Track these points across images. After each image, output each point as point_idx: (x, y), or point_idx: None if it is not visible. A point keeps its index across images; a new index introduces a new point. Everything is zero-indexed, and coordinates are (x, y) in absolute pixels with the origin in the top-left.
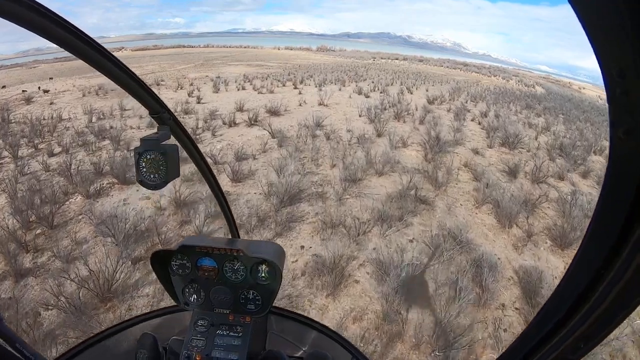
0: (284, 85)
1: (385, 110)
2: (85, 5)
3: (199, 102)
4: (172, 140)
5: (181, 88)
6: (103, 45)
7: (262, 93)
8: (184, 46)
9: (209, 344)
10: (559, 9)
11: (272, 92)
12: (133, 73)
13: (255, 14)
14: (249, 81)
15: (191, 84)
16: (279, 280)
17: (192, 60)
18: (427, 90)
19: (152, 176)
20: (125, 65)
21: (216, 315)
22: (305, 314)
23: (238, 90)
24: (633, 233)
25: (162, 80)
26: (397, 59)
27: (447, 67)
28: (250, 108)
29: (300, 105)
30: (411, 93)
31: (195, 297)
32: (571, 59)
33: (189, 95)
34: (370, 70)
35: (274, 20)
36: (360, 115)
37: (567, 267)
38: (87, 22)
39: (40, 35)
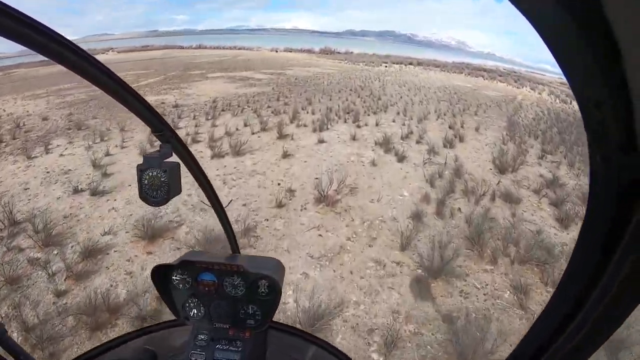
0: (263, 130)
1: (444, 205)
2: (91, 2)
3: (93, 194)
4: (175, 158)
5: (101, 139)
6: (109, 41)
7: (220, 156)
8: (175, 47)
9: (208, 358)
10: None
11: (238, 152)
12: (135, 92)
13: (261, 12)
14: (213, 117)
15: (122, 129)
16: (278, 295)
17: (170, 68)
18: (477, 130)
19: (154, 193)
20: (127, 85)
21: (216, 330)
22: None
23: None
24: (615, 250)
25: (96, 114)
26: (411, 64)
27: (468, 74)
28: (168, 228)
29: (279, 205)
30: (461, 140)
31: (195, 311)
32: None
33: (94, 163)
34: (388, 85)
35: (279, 17)
36: (404, 248)
37: (552, 293)
38: (94, 19)
39: (40, 53)
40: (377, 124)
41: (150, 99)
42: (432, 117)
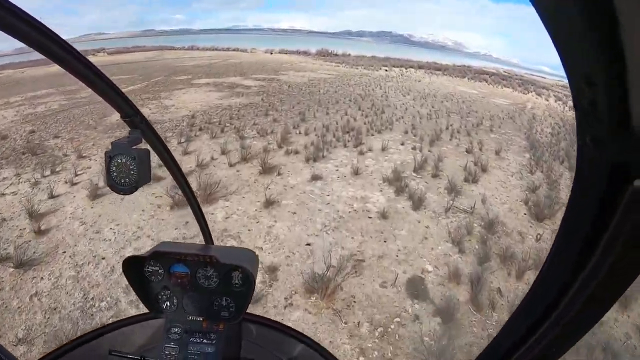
0: (244, 159)
1: (479, 284)
2: (87, 1)
3: (18, 266)
4: (145, 145)
5: (52, 170)
6: (105, 40)
7: (183, 205)
8: (167, 48)
9: (182, 351)
10: None
11: (208, 197)
12: (104, 75)
13: (258, 11)
14: (188, 140)
15: (79, 155)
16: (252, 287)
17: (156, 73)
18: (498, 154)
19: (122, 181)
20: (97, 68)
21: (189, 323)
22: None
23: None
24: (599, 242)
25: (59, 131)
26: (412, 67)
27: (471, 78)
28: None
29: (253, 300)
30: (484, 170)
31: (168, 304)
32: None
33: (31, 212)
34: (391, 94)
35: (276, 17)
36: None
37: (534, 278)
38: (90, 19)
39: (9, 34)
40: (383, 149)
41: (113, 122)
42: (445, 136)
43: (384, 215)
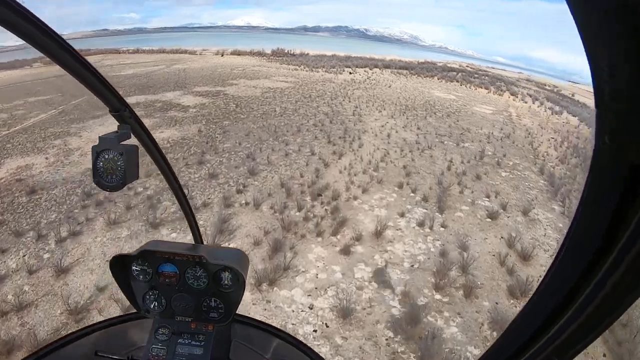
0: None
1: None
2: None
3: None
4: (133, 140)
5: None
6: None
7: None
8: (111, 51)
9: (170, 353)
10: (516, 2)
11: None
12: (93, 67)
13: (214, 8)
14: (70, 233)
15: None
16: (242, 288)
17: (77, 93)
18: (526, 215)
19: (109, 177)
20: (85, 59)
21: (178, 324)
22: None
23: None
24: (612, 249)
25: None
26: (377, 67)
27: (441, 77)
28: None
29: None
30: (526, 260)
31: (156, 304)
32: (526, 50)
33: None
34: (363, 108)
35: (232, 13)
36: None
37: (540, 281)
38: (40, 17)
39: (5, 28)
40: (377, 233)
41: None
42: (454, 187)
43: None
